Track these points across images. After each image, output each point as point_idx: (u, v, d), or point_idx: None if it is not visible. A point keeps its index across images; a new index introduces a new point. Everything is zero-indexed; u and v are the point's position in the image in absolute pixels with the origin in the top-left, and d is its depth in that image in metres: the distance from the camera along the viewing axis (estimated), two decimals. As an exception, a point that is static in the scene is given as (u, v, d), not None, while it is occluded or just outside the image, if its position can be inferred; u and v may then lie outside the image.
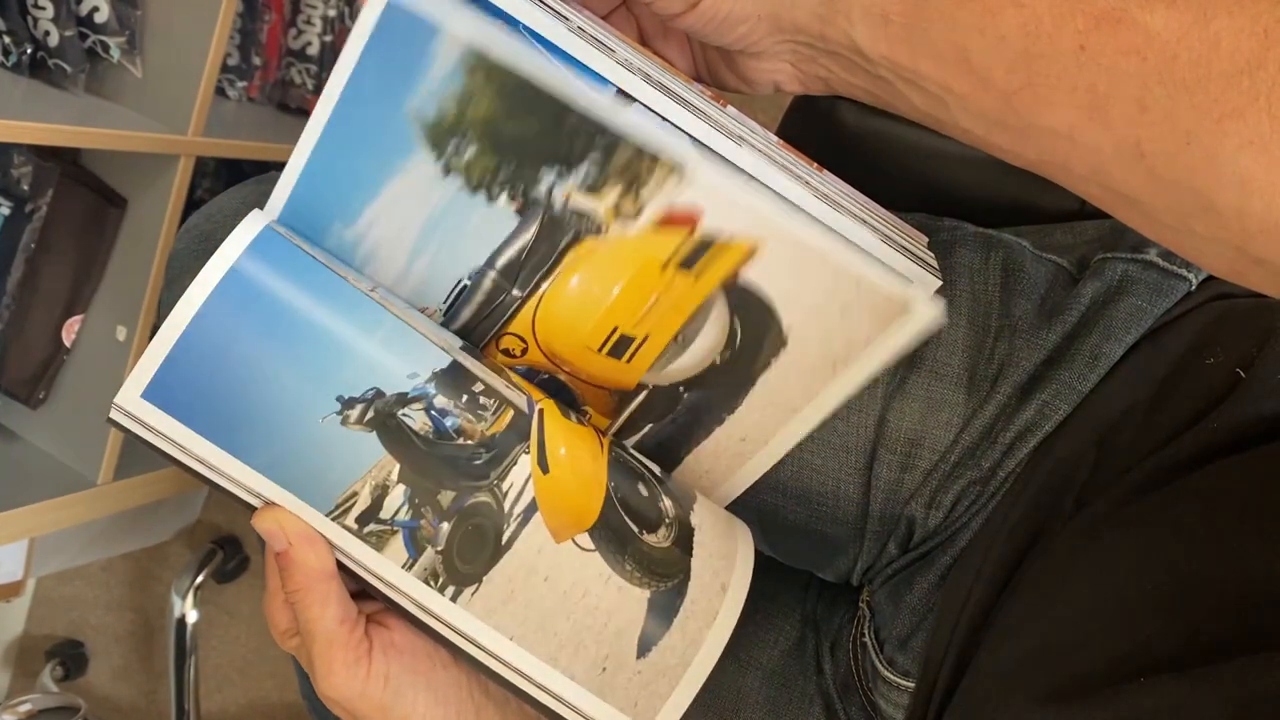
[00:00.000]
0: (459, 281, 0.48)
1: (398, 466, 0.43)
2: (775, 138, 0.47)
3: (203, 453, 0.42)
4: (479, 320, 0.49)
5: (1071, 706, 0.38)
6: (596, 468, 0.45)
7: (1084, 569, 0.44)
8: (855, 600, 0.60)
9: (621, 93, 0.44)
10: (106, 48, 1.09)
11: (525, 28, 0.43)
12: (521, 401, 0.45)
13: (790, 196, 0.44)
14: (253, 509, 0.43)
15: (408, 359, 0.44)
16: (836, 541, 0.56)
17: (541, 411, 0.45)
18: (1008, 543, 0.49)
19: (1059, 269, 0.55)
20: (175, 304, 0.42)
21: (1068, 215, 0.63)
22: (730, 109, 0.46)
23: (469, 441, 0.43)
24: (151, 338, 0.42)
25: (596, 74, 0.43)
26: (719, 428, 0.51)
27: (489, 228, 0.46)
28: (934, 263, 0.47)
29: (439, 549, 0.43)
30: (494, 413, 0.44)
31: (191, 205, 1.18)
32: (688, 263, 0.46)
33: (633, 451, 0.49)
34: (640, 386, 0.50)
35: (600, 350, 0.49)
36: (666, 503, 0.46)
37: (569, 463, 0.44)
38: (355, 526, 0.43)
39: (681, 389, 0.50)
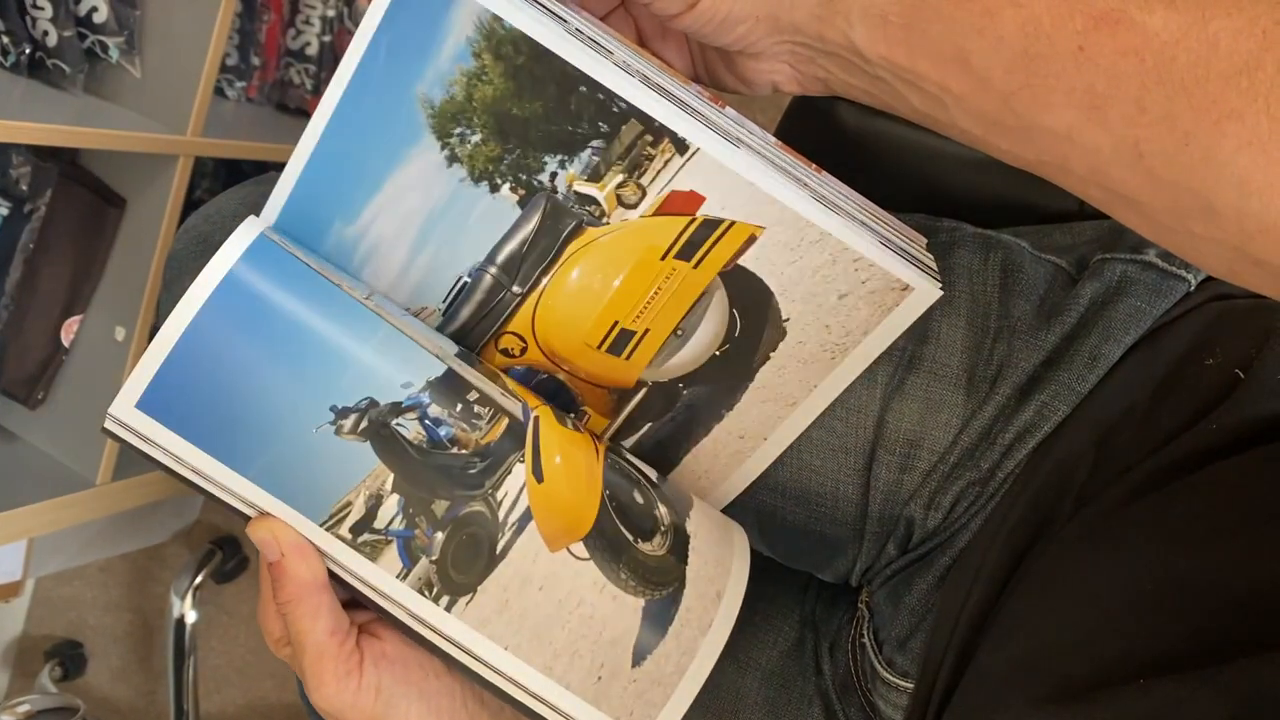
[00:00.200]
0: (458, 279, 0.48)
1: (392, 476, 0.43)
2: (774, 139, 0.47)
3: (197, 463, 0.42)
4: (478, 319, 0.49)
5: (1071, 707, 0.38)
6: (591, 475, 0.45)
7: (1083, 570, 0.44)
8: (854, 601, 0.60)
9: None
10: (105, 48, 1.09)
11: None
12: (516, 409, 0.45)
13: (788, 198, 0.44)
14: (247, 518, 0.43)
15: (402, 367, 0.44)
16: (835, 542, 0.56)
17: (537, 419, 0.45)
18: (1007, 544, 0.49)
19: (1058, 270, 0.55)
20: (174, 305, 0.42)
21: (1067, 216, 0.63)
22: (729, 110, 0.46)
23: (463, 451, 0.43)
24: (150, 338, 0.42)
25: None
26: (718, 425, 0.51)
27: (490, 221, 0.46)
28: (933, 264, 0.48)
29: (433, 559, 0.43)
30: (489, 421, 0.44)
31: (190, 205, 1.18)
32: (687, 252, 0.46)
33: (629, 456, 0.49)
34: (639, 384, 0.50)
35: (600, 347, 0.49)
36: (662, 509, 0.46)
37: (564, 471, 0.44)
38: (349, 536, 0.43)
39: (680, 385, 0.50)
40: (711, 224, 0.45)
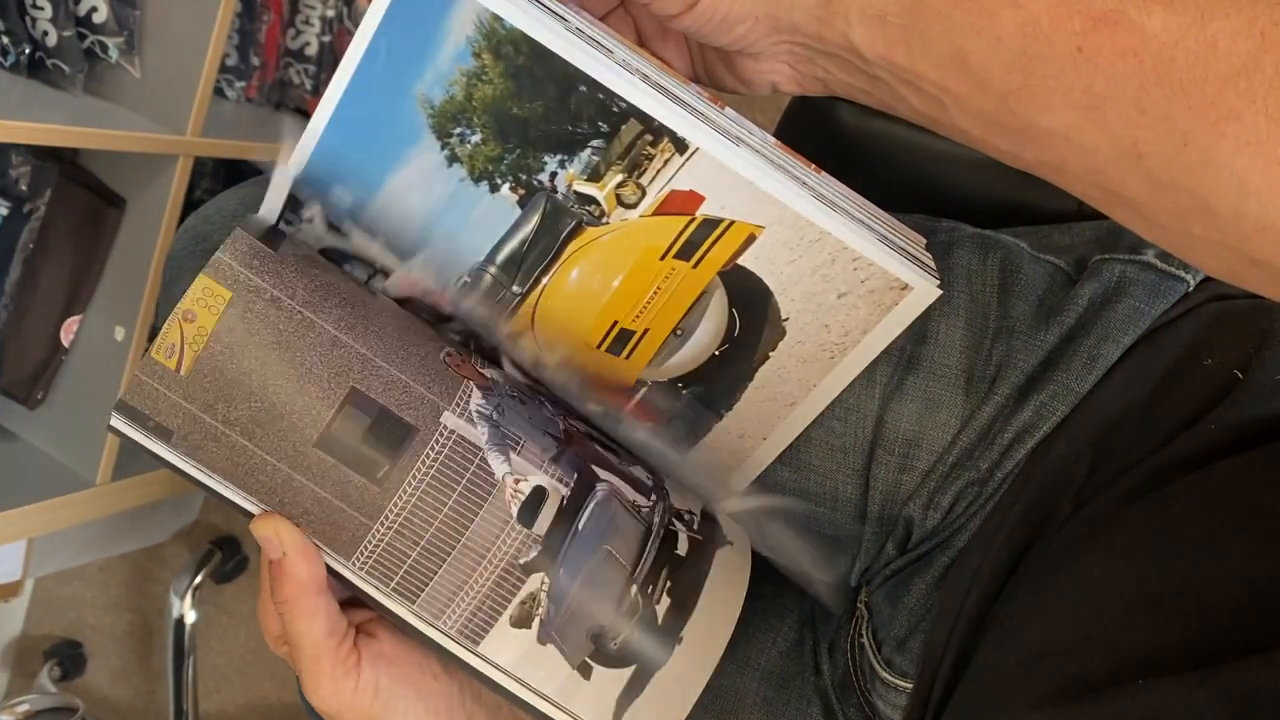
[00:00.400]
0: (459, 279, 0.48)
1: None
2: (773, 139, 0.47)
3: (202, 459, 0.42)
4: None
5: (1071, 708, 0.38)
6: None
7: (1082, 570, 0.44)
8: (853, 601, 0.60)
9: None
10: (105, 48, 1.09)
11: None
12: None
13: (788, 198, 0.44)
14: (250, 515, 0.43)
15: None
16: (835, 542, 0.56)
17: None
18: (1006, 544, 0.49)
19: (1057, 270, 0.55)
20: (173, 304, 0.42)
21: (1065, 216, 0.63)
22: (728, 110, 0.46)
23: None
24: (150, 338, 0.42)
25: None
26: (717, 424, 0.51)
27: (490, 221, 0.46)
28: (932, 264, 0.48)
29: None
30: None
31: (190, 205, 1.18)
32: (686, 251, 0.46)
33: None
34: (639, 383, 0.50)
35: (600, 346, 0.49)
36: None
37: None
38: None
39: (680, 385, 0.50)
40: (711, 224, 0.45)
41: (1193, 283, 0.52)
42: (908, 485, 0.53)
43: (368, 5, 0.43)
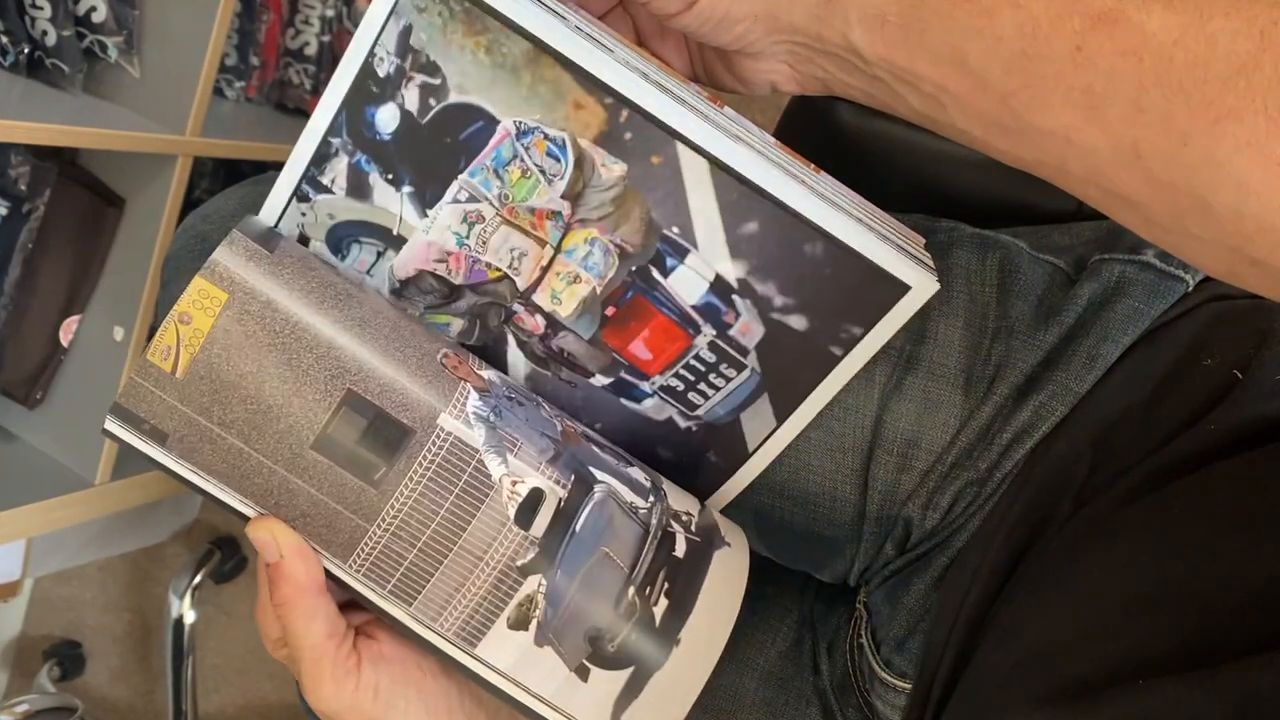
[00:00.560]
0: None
1: None
2: (772, 139, 0.47)
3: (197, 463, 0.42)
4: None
5: (1070, 708, 0.38)
6: None
7: (1082, 570, 0.44)
8: (852, 601, 0.60)
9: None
10: (104, 47, 1.09)
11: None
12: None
13: (787, 197, 0.44)
14: (247, 518, 0.43)
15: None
16: (833, 542, 0.56)
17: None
18: (1005, 544, 0.49)
19: (1056, 270, 0.55)
20: (172, 304, 0.42)
21: (1065, 216, 0.63)
22: (727, 110, 0.46)
23: None
24: (149, 338, 0.41)
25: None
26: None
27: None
28: (931, 264, 0.48)
29: None
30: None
31: (189, 205, 1.18)
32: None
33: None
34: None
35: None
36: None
37: None
38: None
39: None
40: None
41: (1192, 283, 0.52)
42: (907, 485, 0.53)
43: (368, 5, 0.42)
